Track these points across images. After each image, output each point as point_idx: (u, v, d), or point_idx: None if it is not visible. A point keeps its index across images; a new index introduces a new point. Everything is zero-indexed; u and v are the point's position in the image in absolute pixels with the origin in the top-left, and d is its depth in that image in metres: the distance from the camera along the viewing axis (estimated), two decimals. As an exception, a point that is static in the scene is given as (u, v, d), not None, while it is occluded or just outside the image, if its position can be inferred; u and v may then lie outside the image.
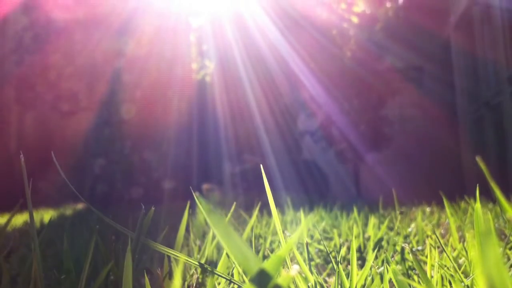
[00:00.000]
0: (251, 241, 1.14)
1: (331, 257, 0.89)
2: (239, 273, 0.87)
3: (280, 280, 0.32)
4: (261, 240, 1.68)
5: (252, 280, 0.32)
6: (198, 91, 9.30)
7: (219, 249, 1.32)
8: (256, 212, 1.10)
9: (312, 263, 1.32)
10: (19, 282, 0.78)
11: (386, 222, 1.50)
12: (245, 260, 0.33)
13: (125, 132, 8.71)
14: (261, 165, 0.74)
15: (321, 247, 1.57)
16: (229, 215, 1.19)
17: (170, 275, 0.95)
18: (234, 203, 1.19)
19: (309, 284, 0.76)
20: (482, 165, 0.40)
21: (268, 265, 0.32)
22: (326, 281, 1.16)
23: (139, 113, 8.79)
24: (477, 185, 0.83)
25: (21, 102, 9.45)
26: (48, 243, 1.60)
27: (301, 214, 1.11)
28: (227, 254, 0.86)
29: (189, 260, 0.74)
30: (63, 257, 0.81)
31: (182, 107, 9.03)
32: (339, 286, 0.76)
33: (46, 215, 4.42)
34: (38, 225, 2.99)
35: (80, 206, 6.84)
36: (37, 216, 4.23)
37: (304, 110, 9.37)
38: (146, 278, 0.64)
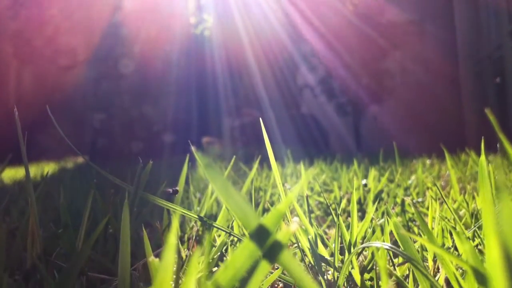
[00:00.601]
0: (251, 194, 1.14)
1: (331, 209, 0.88)
2: (238, 226, 0.86)
3: (279, 236, 0.31)
4: (261, 193, 1.68)
5: (251, 236, 0.31)
6: (196, 46, 9.19)
7: (219, 202, 1.32)
8: (256, 165, 1.09)
9: (312, 215, 1.32)
10: (17, 236, 0.78)
11: (386, 175, 1.49)
12: (244, 216, 0.32)
13: (124, 87, 8.66)
14: (261, 119, 0.72)
15: (321, 199, 1.57)
16: (228, 168, 1.18)
17: (169, 228, 0.95)
18: (234, 156, 1.18)
19: (309, 237, 0.75)
20: (491, 117, 0.39)
21: (267, 220, 0.31)
22: (326, 233, 1.16)
23: (137, 67, 8.72)
24: (482, 137, 0.82)
25: (19, 57, 9.37)
26: (48, 196, 1.60)
27: (301, 167, 1.10)
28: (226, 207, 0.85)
29: (187, 213, 0.73)
30: (60, 211, 0.81)
31: (181, 61, 8.94)
32: (340, 238, 0.76)
33: (47, 168, 4.44)
34: (39, 178, 3.00)
35: (80, 159, 6.85)
36: (37, 169, 4.25)
37: (304, 64, 9.28)
38: (145, 231, 0.63)
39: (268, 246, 0.31)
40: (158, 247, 0.89)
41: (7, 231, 0.85)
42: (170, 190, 0.90)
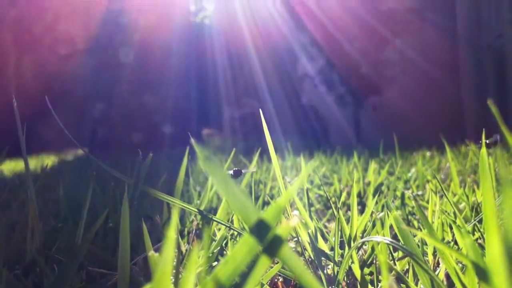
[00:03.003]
0: (251, 187, 1.14)
1: (331, 203, 0.88)
2: (238, 220, 0.86)
3: (280, 230, 0.31)
4: (261, 186, 1.68)
5: (251, 231, 0.31)
6: (196, 34, 9.18)
7: (219, 195, 1.31)
8: (256, 158, 1.09)
9: (312, 208, 1.32)
10: (16, 230, 0.78)
11: (386, 167, 1.49)
12: (243, 210, 0.32)
13: (124, 76, 8.63)
14: (260, 110, 0.72)
15: (321, 193, 1.57)
16: (228, 161, 1.18)
17: (169, 221, 0.95)
18: (234, 149, 1.18)
19: (309, 231, 0.75)
20: (493, 109, 0.38)
21: (267, 215, 0.31)
22: (326, 227, 1.16)
23: (137, 56, 8.69)
24: (482, 129, 0.82)
25: (18, 46, 9.34)
26: (48, 189, 1.60)
27: (301, 160, 1.10)
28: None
29: (187, 207, 0.73)
30: (60, 204, 0.81)
31: (180, 50, 8.92)
32: (339, 232, 0.76)
33: (47, 160, 4.44)
34: (39, 171, 3.00)
35: (81, 151, 6.84)
36: (37, 161, 4.25)
37: (304, 54, 9.25)
38: (144, 225, 0.63)
39: (268, 241, 0.31)
40: (158, 240, 0.89)
41: (7, 224, 0.85)
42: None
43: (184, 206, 0.74)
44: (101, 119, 8.55)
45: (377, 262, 0.69)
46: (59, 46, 9.17)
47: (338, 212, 0.74)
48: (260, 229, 0.31)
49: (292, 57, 9.32)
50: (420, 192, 1.44)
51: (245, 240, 0.31)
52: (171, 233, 0.29)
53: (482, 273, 0.36)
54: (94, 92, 8.66)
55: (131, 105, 8.56)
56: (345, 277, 0.70)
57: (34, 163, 4.06)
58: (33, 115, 6.91)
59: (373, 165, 1.61)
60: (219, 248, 0.79)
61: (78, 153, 6.37)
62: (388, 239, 0.50)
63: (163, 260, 0.29)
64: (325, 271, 0.73)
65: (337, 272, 0.69)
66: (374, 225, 0.79)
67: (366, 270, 0.73)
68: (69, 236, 0.76)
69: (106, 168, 0.72)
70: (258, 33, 9.06)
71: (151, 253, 0.43)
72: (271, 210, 0.31)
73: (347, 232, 0.76)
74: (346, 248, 0.74)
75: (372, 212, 0.86)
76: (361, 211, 1.28)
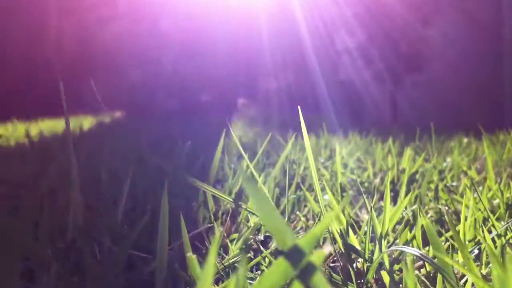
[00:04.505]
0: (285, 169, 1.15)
1: (364, 198, 0.89)
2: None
3: (313, 258, 0.32)
4: (294, 166, 1.69)
5: (285, 256, 0.32)
6: (238, 3, 9.12)
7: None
8: (291, 142, 1.10)
9: (345, 193, 1.33)
10: (58, 201, 0.81)
11: (422, 156, 1.48)
12: (280, 234, 0.33)
13: (164, 44, 8.67)
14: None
15: (354, 177, 1.58)
16: (264, 143, 1.20)
17: (205, 204, 0.98)
18: (270, 134, 1.20)
19: (341, 227, 0.77)
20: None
21: (303, 242, 0.33)
22: (358, 216, 1.17)
23: (179, 24, 8.70)
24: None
25: (60, 7, 9.44)
26: (88, 151, 1.63)
27: (337, 148, 1.11)
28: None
29: (221, 195, 0.76)
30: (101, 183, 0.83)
31: (222, 20, 8.89)
32: (371, 228, 0.77)
33: (85, 121, 4.53)
34: (77, 131, 3.08)
35: (118, 113, 6.95)
36: (76, 122, 4.33)
37: (344, 28, 9.10)
38: (181, 215, 0.65)
39: (302, 267, 0.32)
40: (193, 222, 0.92)
41: (47, 190, 0.89)
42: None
43: (219, 195, 0.76)
44: (139, 84, 8.64)
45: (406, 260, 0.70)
46: (99, 8, 9.23)
47: (370, 211, 0.75)
48: (295, 254, 0.33)
49: (332, 31, 9.19)
50: (454, 183, 1.43)
51: (280, 263, 0.33)
52: (211, 259, 0.31)
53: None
54: (134, 58, 8.73)
55: (170, 72, 8.61)
56: (374, 274, 0.72)
57: (73, 123, 4.13)
58: (71, 77, 7.02)
59: (408, 152, 1.61)
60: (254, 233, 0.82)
61: (114, 116, 6.47)
62: (417, 251, 0.51)
63: (204, 276, 0.31)
64: (354, 265, 0.74)
65: (367, 268, 0.70)
66: (407, 224, 0.80)
67: (396, 267, 0.74)
68: (110, 218, 0.79)
69: (156, 161, 0.75)
70: (301, 4, 8.95)
71: (189, 254, 0.45)
72: (307, 237, 0.33)
73: (379, 230, 0.77)
74: (377, 245, 0.75)
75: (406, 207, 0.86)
76: (394, 199, 1.29)
